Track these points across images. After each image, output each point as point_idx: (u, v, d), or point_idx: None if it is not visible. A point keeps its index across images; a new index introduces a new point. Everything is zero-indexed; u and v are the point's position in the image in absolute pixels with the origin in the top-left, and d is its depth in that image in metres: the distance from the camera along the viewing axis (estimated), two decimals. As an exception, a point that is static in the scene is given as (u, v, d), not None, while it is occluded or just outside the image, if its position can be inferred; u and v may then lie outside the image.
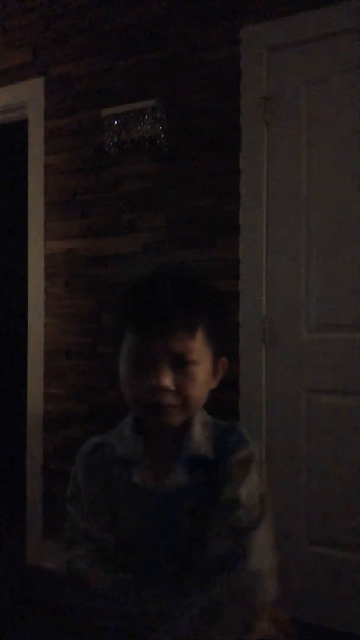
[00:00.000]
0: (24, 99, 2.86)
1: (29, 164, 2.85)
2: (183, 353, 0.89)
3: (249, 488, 0.91)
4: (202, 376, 0.92)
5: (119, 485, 0.96)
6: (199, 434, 0.95)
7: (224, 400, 2.15)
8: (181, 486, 0.92)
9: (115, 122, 2.51)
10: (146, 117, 2.44)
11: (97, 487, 0.98)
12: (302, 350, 2.19)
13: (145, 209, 2.51)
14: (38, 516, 2.74)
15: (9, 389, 3.58)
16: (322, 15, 2.12)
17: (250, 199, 2.26)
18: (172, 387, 0.89)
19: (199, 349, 0.90)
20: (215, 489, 0.91)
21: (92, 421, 2.63)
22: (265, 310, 2.24)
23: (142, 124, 2.46)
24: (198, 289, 0.93)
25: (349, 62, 2.10)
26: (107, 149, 2.56)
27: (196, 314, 0.90)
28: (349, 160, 2.11)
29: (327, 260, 2.16)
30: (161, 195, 2.48)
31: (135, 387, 0.91)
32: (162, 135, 2.42)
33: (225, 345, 0.98)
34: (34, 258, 2.82)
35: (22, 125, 2.95)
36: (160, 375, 0.88)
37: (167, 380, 0.88)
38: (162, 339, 0.88)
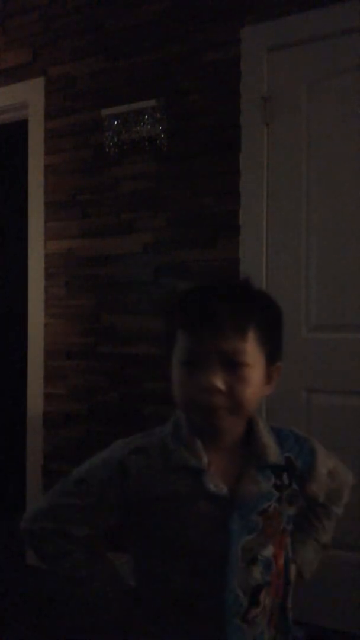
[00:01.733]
0: (24, 99, 2.86)
1: (29, 164, 2.85)
2: (234, 353, 0.88)
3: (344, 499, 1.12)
4: (254, 379, 0.91)
5: (177, 493, 0.93)
6: (268, 439, 0.97)
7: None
8: (262, 493, 0.94)
9: (115, 122, 2.51)
10: (146, 117, 2.45)
11: (120, 492, 0.95)
12: (302, 350, 2.19)
13: (145, 209, 2.51)
14: (38, 516, 2.74)
15: (9, 389, 3.58)
16: (322, 15, 2.12)
17: (250, 199, 2.26)
18: (223, 388, 0.88)
19: (251, 351, 0.90)
20: (282, 491, 0.96)
21: (92, 421, 2.63)
22: (265, 310, 2.23)
23: (142, 124, 2.46)
24: (250, 291, 0.95)
25: (349, 62, 2.10)
26: (107, 149, 2.56)
27: (247, 314, 0.90)
28: (349, 160, 2.11)
29: (327, 260, 2.16)
30: (161, 195, 2.48)
31: (187, 388, 0.91)
32: (162, 135, 2.43)
33: (279, 350, 0.97)
34: (34, 258, 2.82)
35: (22, 125, 2.94)
36: (211, 375, 0.88)
37: (218, 380, 0.88)
38: (213, 338, 0.88)
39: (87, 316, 2.67)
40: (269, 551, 0.94)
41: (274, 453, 0.96)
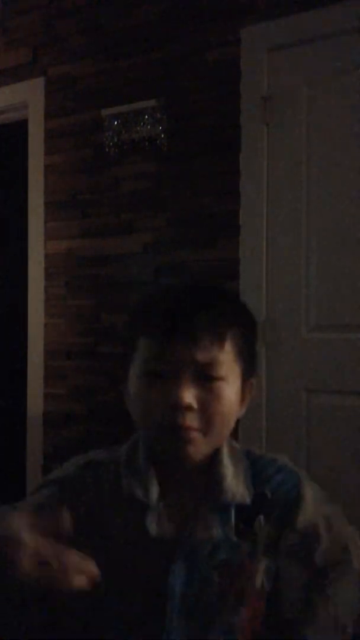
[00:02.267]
0: (24, 99, 2.86)
1: (29, 164, 2.85)
2: (210, 365, 0.76)
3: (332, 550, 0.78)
4: (229, 396, 0.77)
5: (121, 527, 0.79)
6: (231, 472, 0.80)
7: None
8: (214, 539, 0.77)
9: (115, 122, 2.51)
10: (146, 117, 2.45)
11: (80, 514, 0.77)
12: (302, 350, 2.19)
13: (145, 209, 2.51)
14: (38, 516, 2.74)
15: (9, 389, 3.58)
16: (322, 15, 2.12)
17: (250, 199, 2.26)
18: (195, 405, 0.75)
19: (228, 363, 0.77)
20: (251, 538, 0.78)
21: (92, 421, 2.63)
22: (265, 310, 2.24)
23: (142, 124, 2.46)
24: (226, 296, 0.84)
25: (349, 62, 2.10)
26: (107, 149, 2.56)
27: (225, 321, 0.78)
28: (349, 160, 2.11)
29: (327, 260, 2.16)
30: (161, 195, 2.48)
31: (148, 404, 0.77)
32: (162, 135, 2.43)
33: (254, 365, 0.84)
34: (34, 258, 2.82)
35: (22, 125, 2.94)
36: (181, 389, 0.74)
37: (189, 395, 0.74)
38: (185, 346, 0.75)
39: (87, 316, 2.67)
40: (235, 617, 0.75)
41: (234, 489, 0.79)
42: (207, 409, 0.75)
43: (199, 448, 0.76)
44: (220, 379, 0.77)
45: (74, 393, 2.69)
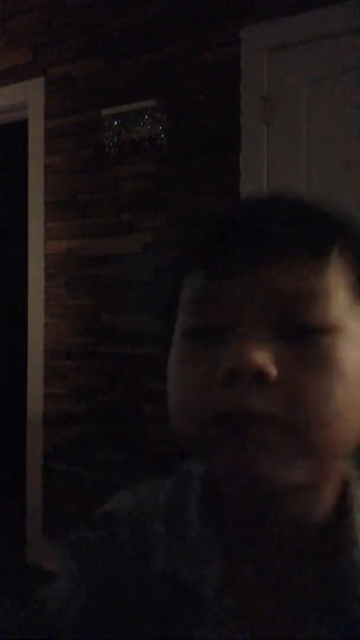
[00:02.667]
0: (24, 99, 2.86)
1: (29, 164, 2.85)
2: (306, 303, 0.40)
3: None
4: (350, 364, 0.40)
5: (148, 629, 0.45)
6: None
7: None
8: None
9: (115, 122, 2.51)
10: (146, 117, 2.45)
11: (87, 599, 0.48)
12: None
13: (145, 209, 2.51)
14: (38, 516, 2.74)
15: (9, 389, 3.58)
16: (322, 15, 2.12)
17: (250, 199, 2.26)
18: (274, 373, 0.38)
19: (340, 301, 0.41)
20: None
21: (92, 421, 2.63)
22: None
23: (142, 124, 2.46)
24: (321, 210, 0.48)
25: (349, 62, 2.10)
26: (107, 149, 2.56)
27: (324, 231, 0.44)
28: (349, 160, 2.11)
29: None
30: (161, 195, 2.48)
31: (188, 384, 0.42)
32: (162, 135, 2.42)
33: None
34: (34, 258, 2.82)
35: (22, 125, 2.95)
36: (246, 344, 0.39)
37: (262, 354, 0.39)
38: (259, 271, 0.41)
39: (87, 316, 2.67)
40: None
41: None
42: (299, 383, 0.38)
43: (290, 464, 0.38)
44: (330, 329, 0.40)
45: (74, 393, 2.69)
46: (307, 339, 0.40)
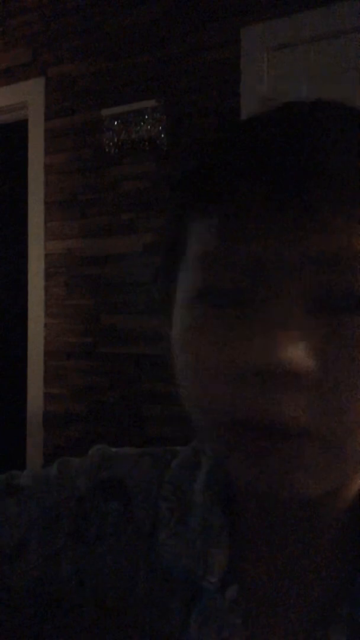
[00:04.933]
0: (24, 99, 2.86)
1: (29, 164, 2.85)
2: (351, 267, 0.32)
3: None
4: None
5: (146, 620, 0.42)
6: None
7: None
8: None
9: (115, 122, 2.51)
10: (146, 117, 2.44)
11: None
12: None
13: (145, 209, 2.51)
14: (38, 516, 2.74)
15: (9, 389, 3.58)
16: (322, 15, 2.12)
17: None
18: (309, 371, 0.32)
19: None
20: None
21: (92, 421, 2.63)
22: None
23: (142, 124, 2.46)
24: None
25: (349, 62, 2.10)
26: (107, 149, 2.56)
27: None
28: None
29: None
30: (161, 195, 2.48)
31: (206, 363, 0.35)
32: (162, 135, 2.42)
33: None
34: (34, 258, 2.82)
35: (22, 125, 2.95)
36: (276, 329, 0.32)
37: (296, 348, 0.32)
38: (293, 225, 0.33)
39: (87, 316, 2.67)
40: None
41: None
42: (345, 387, 0.32)
43: (321, 476, 0.33)
44: None
45: (74, 393, 2.69)
46: (345, 316, 0.32)
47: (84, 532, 0.44)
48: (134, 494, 0.45)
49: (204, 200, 0.36)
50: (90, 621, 0.42)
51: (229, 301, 0.34)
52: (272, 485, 0.33)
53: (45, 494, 0.46)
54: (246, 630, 0.39)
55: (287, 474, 0.32)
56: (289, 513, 0.39)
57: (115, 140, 2.52)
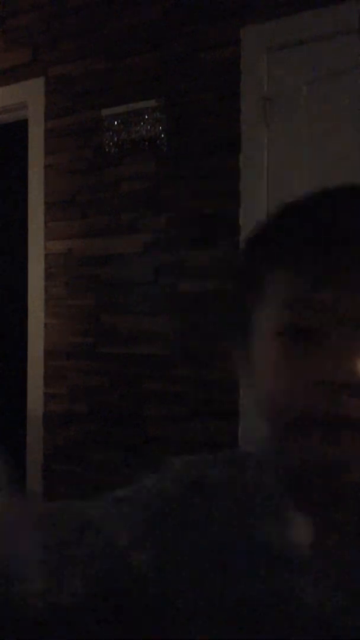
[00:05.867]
0: (24, 99, 2.86)
1: (29, 164, 2.85)
2: None
3: None
4: None
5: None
6: None
7: (224, 402, 2.15)
8: None
9: (115, 122, 2.51)
10: (146, 117, 2.45)
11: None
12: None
13: (145, 209, 2.51)
14: (38, 516, 2.74)
15: (9, 388, 3.58)
16: (322, 15, 2.11)
17: (250, 199, 2.26)
18: None
19: None
20: None
21: (92, 421, 2.63)
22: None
23: (142, 124, 2.46)
24: None
25: (349, 62, 2.10)
26: (107, 149, 2.56)
27: None
28: (349, 160, 2.11)
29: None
30: (161, 195, 2.48)
31: (288, 383, 0.45)
32: (162, 135, 2.43)
33: None
34: (34, 258, 2.82)
35: (22, 125, 2.95)
36: (348, 351, 0.42)
37: None
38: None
39: (87, 316, 2.67)
40: None
41: None
42: None
43: None
44: None
45: (74, 393, 2.69)
46: None
47: (175, 526, 0.52)
48: (215, 490, 0.52)
49: (293, 256, 0.46)
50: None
51: (308, 335, 0.44)
52: (335, 476, 0.43)
53: (144, 500, 0.54)
54: (338, 589, 0.46)
55: (345, 461, 0.42)
56: (345, 494, 0.47)
57: (115, 140, 2.52)
